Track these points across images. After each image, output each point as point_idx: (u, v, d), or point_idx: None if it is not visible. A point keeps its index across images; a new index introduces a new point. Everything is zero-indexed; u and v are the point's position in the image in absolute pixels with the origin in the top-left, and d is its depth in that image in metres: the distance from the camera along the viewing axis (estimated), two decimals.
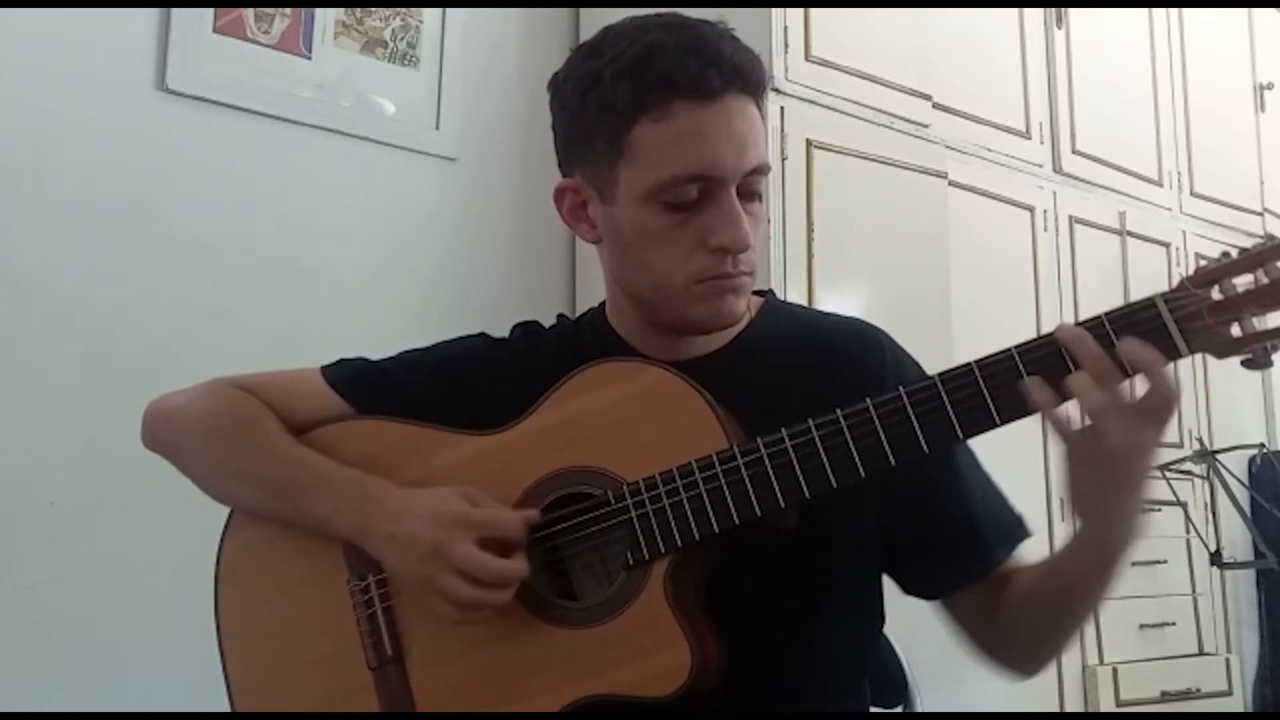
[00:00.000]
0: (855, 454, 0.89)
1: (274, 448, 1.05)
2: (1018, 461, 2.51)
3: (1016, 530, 1.05)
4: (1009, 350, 0.86)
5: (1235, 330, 0.81)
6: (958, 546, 1.02)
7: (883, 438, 0.88)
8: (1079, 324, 0.84)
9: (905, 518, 1.02)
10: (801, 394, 0.94)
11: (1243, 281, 0.81)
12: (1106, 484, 0.84)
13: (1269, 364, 0.83)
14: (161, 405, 1.13)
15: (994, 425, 0.87)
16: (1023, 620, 1.00)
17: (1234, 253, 0.83)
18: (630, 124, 0.94)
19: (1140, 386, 0.82)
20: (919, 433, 0.88)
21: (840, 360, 1.04)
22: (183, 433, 1.10)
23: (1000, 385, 0.86)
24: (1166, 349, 0.82)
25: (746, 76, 0.95)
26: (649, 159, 0.94)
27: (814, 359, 1.05)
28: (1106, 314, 0.84)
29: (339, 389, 1.10)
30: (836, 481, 0.90)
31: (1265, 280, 0.81)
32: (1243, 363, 0.84)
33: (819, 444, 0.90)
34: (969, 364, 0.87)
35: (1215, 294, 0.82)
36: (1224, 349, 0.82)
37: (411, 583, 0.97)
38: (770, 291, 1.15)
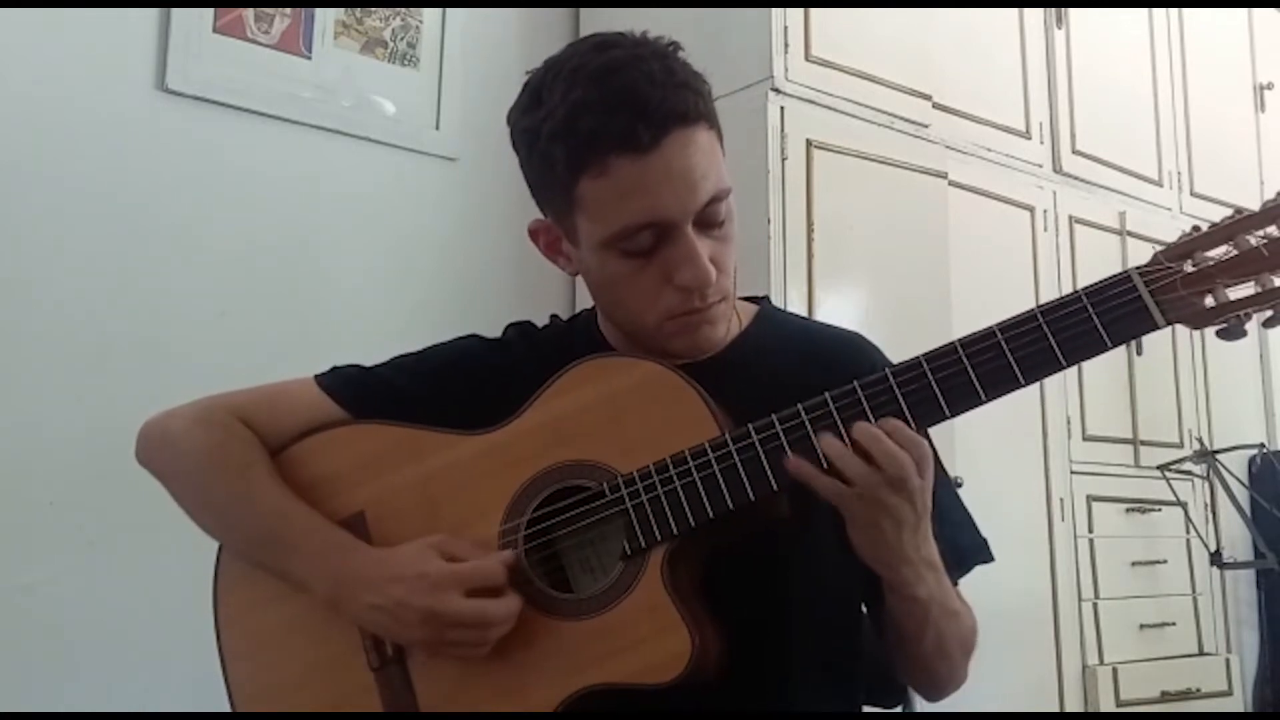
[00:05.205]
0: (845, 435, 0.90)
1: (255, 497, 1.04)
2: (1017, 462, 2.52)
3: (973, 554, 1.06)
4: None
5: (1209, 301, 0.84)
6: None
7: (870, 419, 0.89)
8: (1060, 299, 0.86)
9: None
10: (793, 398, 0.93)
11: (1215, 254, 0.84)
12: (877, 534, 0.90)
13: (1242, 334, 0.85)
14: (157, 428, 1.12)
15: (980, 401, 0.89)
16: (897, 661, 1.04)
17: (1204, 227, 0.86)
18: (574, 181, 0.94)
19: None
20: (906, 411, 0.89)
21: (833, 366, 1.03)
22: (173, 466, 1.10)
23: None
24: (1144, 320, 0.85)
25: (684, 113, 0.92)
26: (598, 213, 0.95)
27: (806, 365, 1.05)
28: (1084, 289, 0.87)
29: (333, 395, 1.10)
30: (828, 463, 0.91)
31: (1235, 252, 0.83)
32: (1218, 333, 0.86)
33: (809, 426, 0.91)
34: (953, 342, 0.90)
35: (1188, 266, 0.84)
36: (1198, 319, 0.85)
37: (414, 645, 0.98)
38: (765, 298, 1.16)
